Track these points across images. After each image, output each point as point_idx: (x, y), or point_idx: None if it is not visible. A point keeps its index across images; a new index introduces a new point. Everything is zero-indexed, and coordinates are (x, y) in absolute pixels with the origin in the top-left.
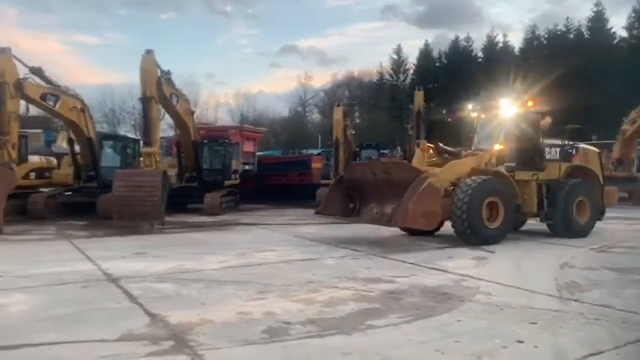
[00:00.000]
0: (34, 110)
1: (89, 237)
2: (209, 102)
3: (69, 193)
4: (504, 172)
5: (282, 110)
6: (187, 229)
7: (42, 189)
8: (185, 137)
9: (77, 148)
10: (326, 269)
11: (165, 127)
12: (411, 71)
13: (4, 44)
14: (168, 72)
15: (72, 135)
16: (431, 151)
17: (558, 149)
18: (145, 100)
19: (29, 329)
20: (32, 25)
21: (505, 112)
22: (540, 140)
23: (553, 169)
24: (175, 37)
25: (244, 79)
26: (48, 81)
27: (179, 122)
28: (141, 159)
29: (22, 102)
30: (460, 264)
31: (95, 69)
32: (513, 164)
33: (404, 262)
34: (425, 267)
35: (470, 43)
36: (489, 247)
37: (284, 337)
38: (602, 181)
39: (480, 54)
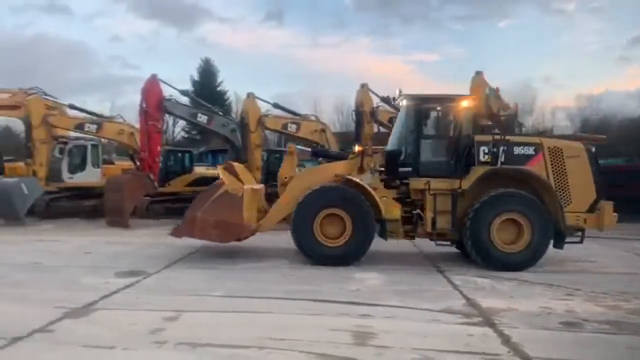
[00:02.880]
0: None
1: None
2: (546, 107)
3: None
4: (356, 179)
5: (635, 110)
6: None
7: None
8: None
9: None
10: None
11: None
12: None
13: (360, 69)
14: (496, 89)
15: None
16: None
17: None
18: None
19: (380, 295)
20: (380, 50)
21: (406, 102)
22: (459, 136)
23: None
24: (513, 43)
25: (586, 78)
26: (394, 107)
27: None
28: None
29: None
30: None
31: (433, 85)
32: (409, 169)
33: None
34: None
35: None
36: None
37: (577, 329)
38: (595, 193)
39: None
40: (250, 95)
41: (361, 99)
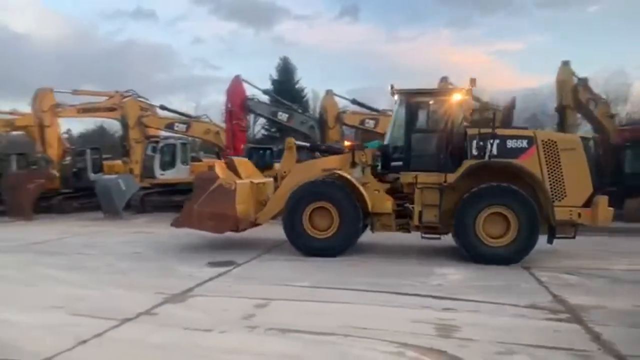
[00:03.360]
0: None
1: None
2: None
3: None
4: (343, 173)
5: None
6: (596, 232)
7: None
8: (604, 140)
9: None
10: None
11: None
12: None
13: (439, 61)
14: (585, 80)
15: None
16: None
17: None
18: (560, 109)
19: (462, 290)
20: (460, 42)
21: (397, 97)
22: (451, 130)
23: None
24: (603, 29)
25: None
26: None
27: (598, 127)
28: None
29: None
30: None
31: (517, 74)
32: (400, 164)
33: None
34: None
35: None
36: None
37: None
38: (591, 187)
39: None
40: (328, 92)
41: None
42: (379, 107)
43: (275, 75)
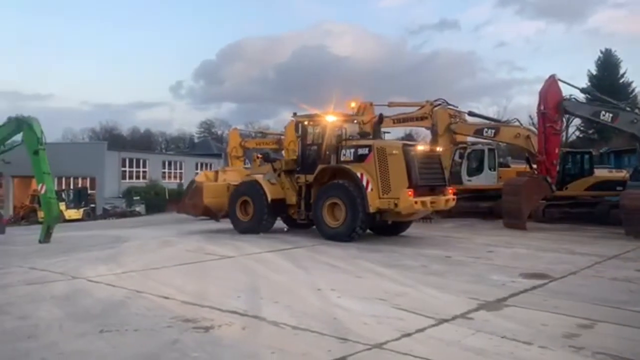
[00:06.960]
0: None
1: None
2: None
3: None
4: (255, 176)
5: None
6: None
7: None
8: None
9: None
10: None
11: None
12: None
13: None
14: None
15: None
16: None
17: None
18: None
19: None
20: None
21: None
22: (329, 143)
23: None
24: None
25: None
26: None
27: None
28: None
29: None
30: None
31: None
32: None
33: None
34: None
35: None
36: None
37: None
38: (407, 183)
39: None
40: None
41: None
42: None
43: (593, 71)
